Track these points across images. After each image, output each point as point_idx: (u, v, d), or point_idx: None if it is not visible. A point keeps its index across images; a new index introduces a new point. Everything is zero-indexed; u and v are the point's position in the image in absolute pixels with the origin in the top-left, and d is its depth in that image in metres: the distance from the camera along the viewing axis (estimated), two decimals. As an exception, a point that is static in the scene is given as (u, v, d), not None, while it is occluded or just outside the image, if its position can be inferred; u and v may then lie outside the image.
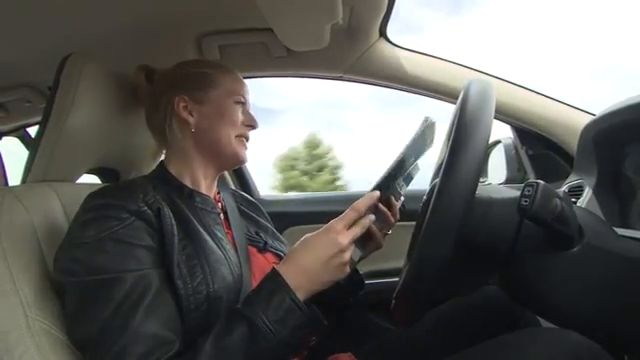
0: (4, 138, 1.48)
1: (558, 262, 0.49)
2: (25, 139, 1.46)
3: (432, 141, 0.66)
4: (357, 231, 0.55)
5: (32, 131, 1.42)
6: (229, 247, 0.62)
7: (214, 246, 0.59)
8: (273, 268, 0.55)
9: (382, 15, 0.90)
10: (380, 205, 0.61)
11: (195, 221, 0.60)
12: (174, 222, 0.57)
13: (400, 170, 0.63)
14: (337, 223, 0.55)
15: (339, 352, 0.73)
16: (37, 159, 0.66)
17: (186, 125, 0.67)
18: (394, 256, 0.86)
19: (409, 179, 0.67)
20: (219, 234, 0.63)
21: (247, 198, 0.83)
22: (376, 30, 0.95)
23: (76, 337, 0.52)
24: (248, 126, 0.71)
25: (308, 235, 0.56)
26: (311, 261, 0.53)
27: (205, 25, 0.88)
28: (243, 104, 0.71)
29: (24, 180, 0.67)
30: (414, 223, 0.70)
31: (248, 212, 0.78)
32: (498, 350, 0.54)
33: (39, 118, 0.71)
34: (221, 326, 0.51)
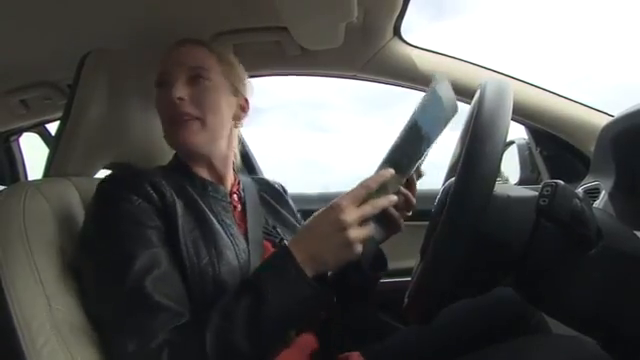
0: (24, 134, 1.52)
1: (575, 264, 0.48)
2: (44, 135, 1.50)
3: (454, 103, 0.55)
4: (367, 210, 0.51)
5: (51, 127, 1.46)
6: (238, 234, 0.63)
7: (221, 231, 0.61)
8: (281, 244, 0.55)
9: (396, 14, 0.89)
10: (401, 188, 0.57)
11: (205, 207, 0.62)
12: (178, 201, 0.58)
13: (415, 140, 0.54)
14: (342, 199, 0.51)
15: (348, 351, 0.73)
16: (57, 154, 0.68)
17: None
18: (403, 255, 0.86)
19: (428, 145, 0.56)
20: (228, 221, 0.64)
21: (271, 185, 0.83)
22: (390, 29, 0.95)
23: (93, 314, 0.55)
24: (168, 105, 0.63)
25: (317, 212, 0.55)
26: (313, 239, 0.52)
27: (221, 24, 0.89)
28: (163, 84, 0.65)
29: (45, 175, 0.69)
30: (425, 223, 0.69)
31: (270, 201, 0.78)
32: (511, 355, 0.53)
33: (58, 114, 0.73)
34: (228, 296, 0.52)
